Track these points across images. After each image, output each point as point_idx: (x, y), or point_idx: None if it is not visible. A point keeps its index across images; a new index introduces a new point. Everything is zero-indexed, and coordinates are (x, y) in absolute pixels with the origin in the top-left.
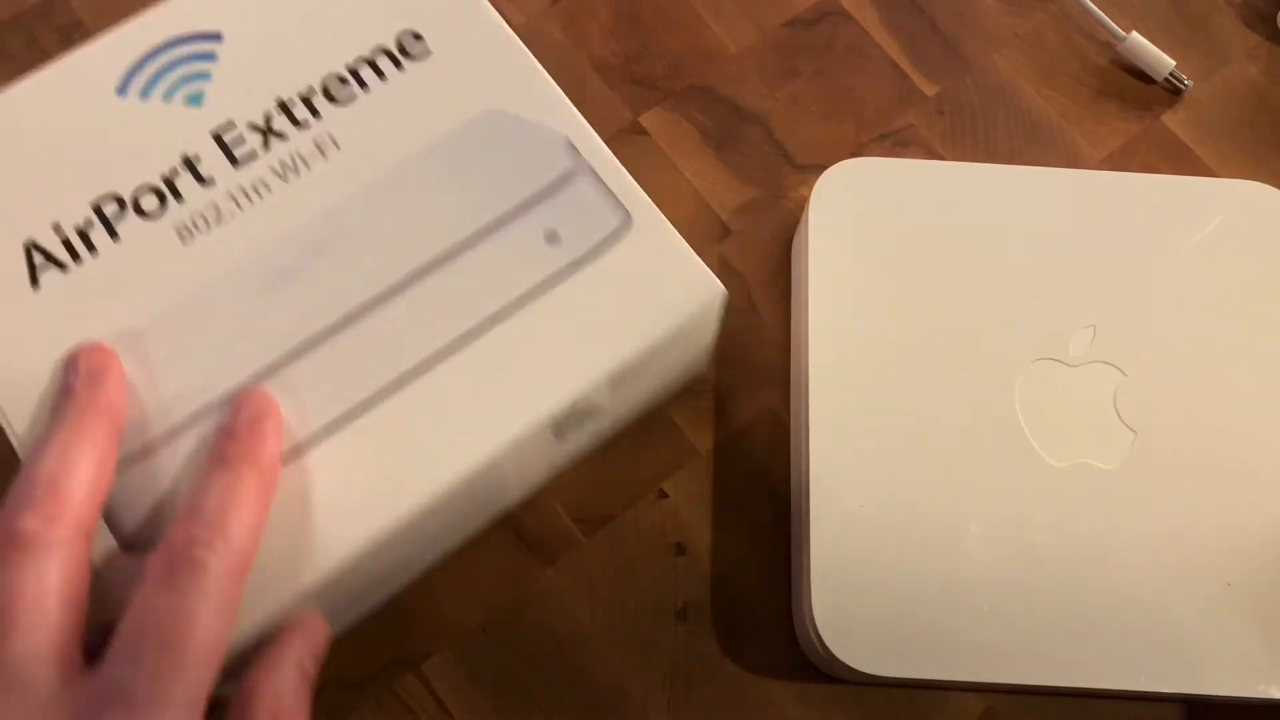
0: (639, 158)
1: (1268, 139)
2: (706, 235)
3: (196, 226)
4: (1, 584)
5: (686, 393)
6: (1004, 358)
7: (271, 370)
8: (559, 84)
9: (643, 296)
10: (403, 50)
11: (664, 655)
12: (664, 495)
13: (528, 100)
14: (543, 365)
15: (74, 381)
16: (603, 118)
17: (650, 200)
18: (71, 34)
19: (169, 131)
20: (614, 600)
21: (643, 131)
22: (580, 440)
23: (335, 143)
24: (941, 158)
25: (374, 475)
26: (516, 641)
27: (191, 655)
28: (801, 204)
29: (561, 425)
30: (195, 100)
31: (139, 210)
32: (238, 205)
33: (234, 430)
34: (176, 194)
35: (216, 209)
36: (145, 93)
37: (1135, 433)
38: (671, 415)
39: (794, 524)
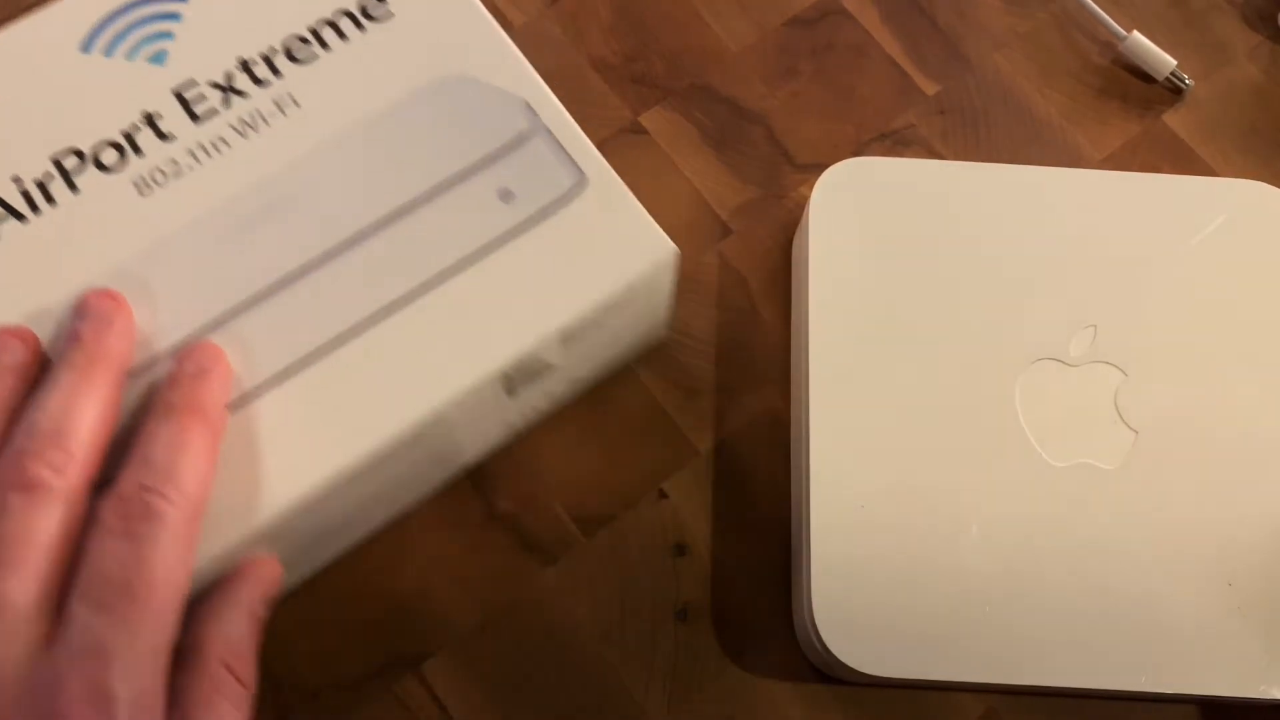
0: (639, 158)
1: (1269, 138)
2: (706, 235)
3: (155, 180)
4: (10, 524)
5: (686, 392)
6: (1004, 358)
7: (225, 320)
8: (558, 83)
9: (595, 254)
10: (365, 12)
11: (664, 655)
12: (664, 495)
13: (488, 63)
14: (493, 319)
15: (82, 328)
16: (603, 117)
17: (605, 161)
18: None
19: (131, 89)
20: (614, 600)
21: (643, 131)
22: (535, 401)
23: (295, 101)
24: (942, 157)
25: (324, 422)
26: (516, 641)
27: (157, 603)
28: (801, 204)
29: (513, 381)
30: (158, 59)
31: (99, 164)
32: (196, 160)
33: (180, 380)
34: (136, 149)
35: (175, 164)
36: (109, 50)
37: (1136, 433)
38: (671, 415)
39: (794, 524)
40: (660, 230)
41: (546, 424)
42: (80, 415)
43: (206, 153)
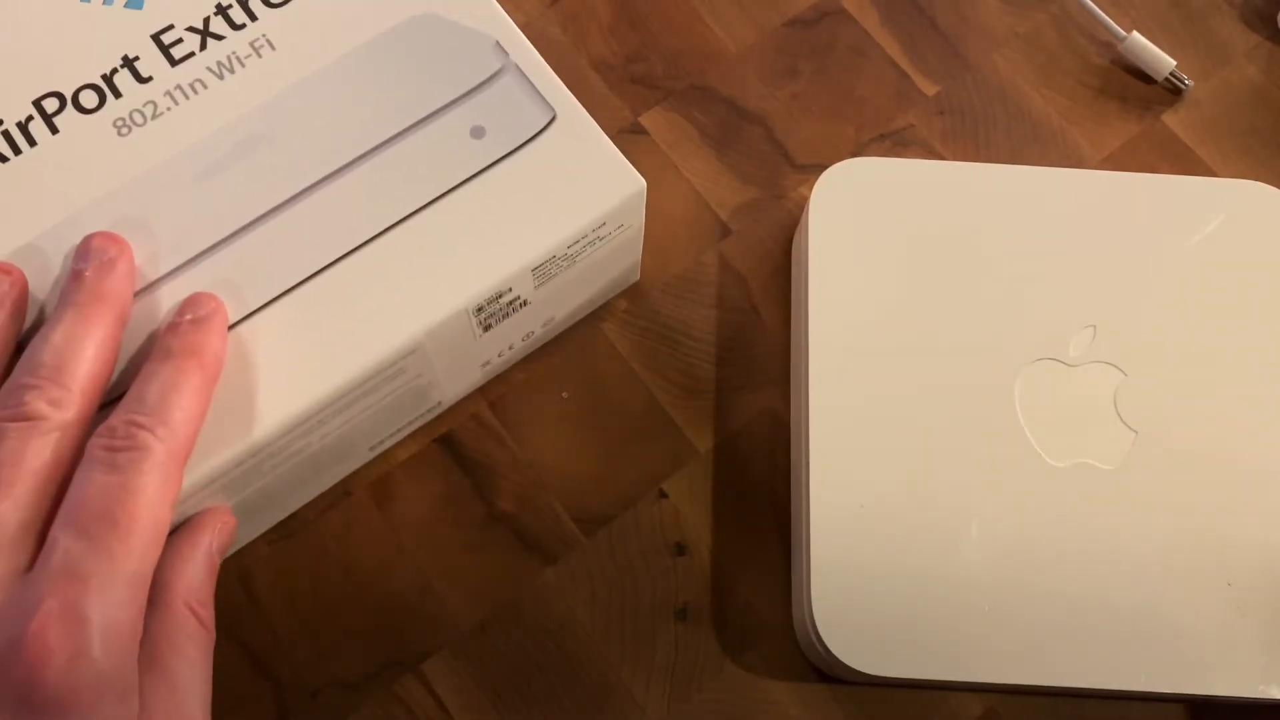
0: (639, 158)
1: (1268, 139)
2: (706, 235)
3: (134, 121)
4: (6, 450)
5: (686, 392)
6: (1004, 358)
7: (203, 256)
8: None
9: (565, 190)
10: None
11: (664, 655)
12: (664, 495)
13: (458, 3)
14: (467, 254)
15: (84, 269)
16: (603, 118)
17: (575, 99)
18: None
19: (110, 33)
20: (614, 600)
21: (643, 131)
22: (511, 340)
23: (270, 44)
24: (941, 158)
25: (300, 354)
26: (516, 641)
27: (138, 533)
28: (801, 204)
29: (487, 316)
30: (136, 4)
31: (79, 106)
32: (174, 102)
33: (178, 326)
34: (116, 91)
35: (154, 105)
36: None
37: (1135, 433)
38: (671, 415)
39: (794, 524)
40: (630, 165)
41: (546, 424)
42: (80, 353)
43: (184, 94)
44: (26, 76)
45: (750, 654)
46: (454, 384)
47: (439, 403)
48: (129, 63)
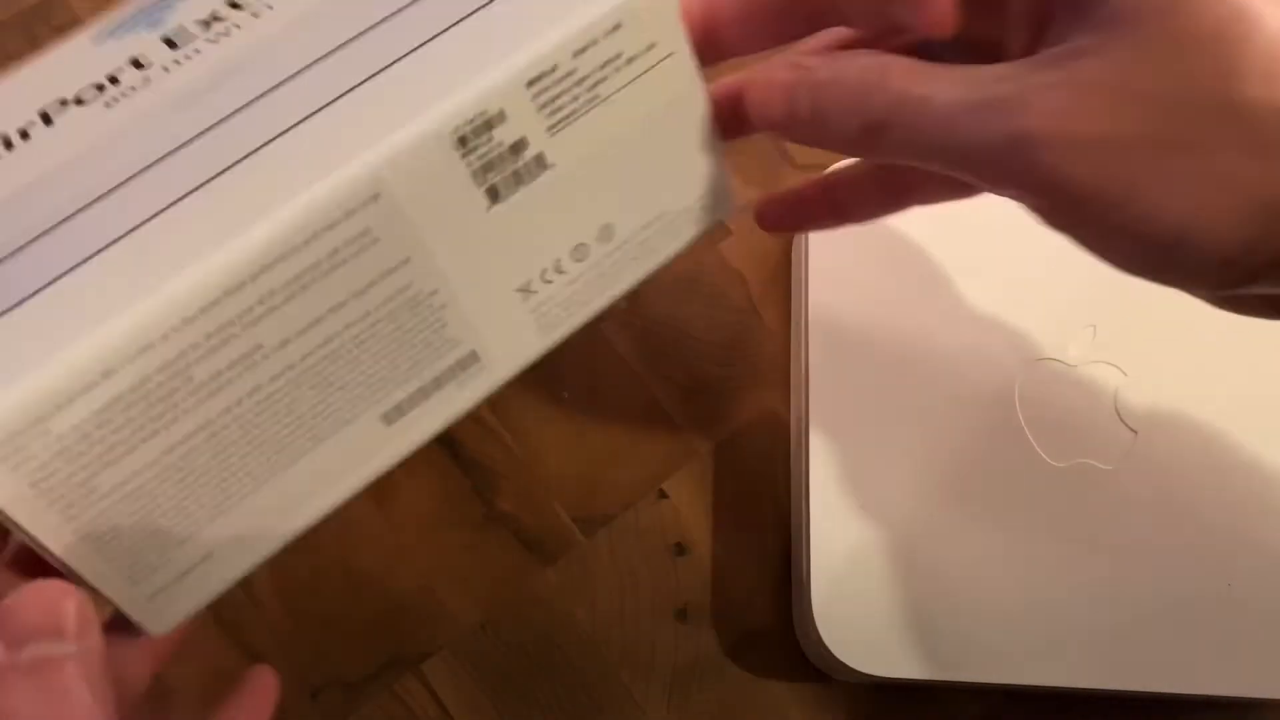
0: None
1: None
2: (706, 235)
3: (125, 96)
4: None
5: (686, 392)
6: (1004, 358)
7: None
8: None
9: None
10: None
11: (664, 656)
12: (664, 495)
13: None
14: (440, 62)
15: None
16: None
17: None
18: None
19: (127, 50)
20: (614, 600)
21: None
22: (556, 253)
23: (269, 4)
24: None
25: (229, 199)
26: (516, 641)
27: None
28: None
29: (480, 156)
30: (156, 24)
31: (79, 103)
32: (166, 71)
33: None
34: (115, 81)
35: (147, 80)
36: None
37: (1135, 433)
38: (671, 415)
39: (794, 524)
40: None
41: (546, 424)
42: None
43: (178, 64)
44: (30, 93)
45: (750, 654)
46: (481, 308)
47: (471, 351)
48: (136, 62)
